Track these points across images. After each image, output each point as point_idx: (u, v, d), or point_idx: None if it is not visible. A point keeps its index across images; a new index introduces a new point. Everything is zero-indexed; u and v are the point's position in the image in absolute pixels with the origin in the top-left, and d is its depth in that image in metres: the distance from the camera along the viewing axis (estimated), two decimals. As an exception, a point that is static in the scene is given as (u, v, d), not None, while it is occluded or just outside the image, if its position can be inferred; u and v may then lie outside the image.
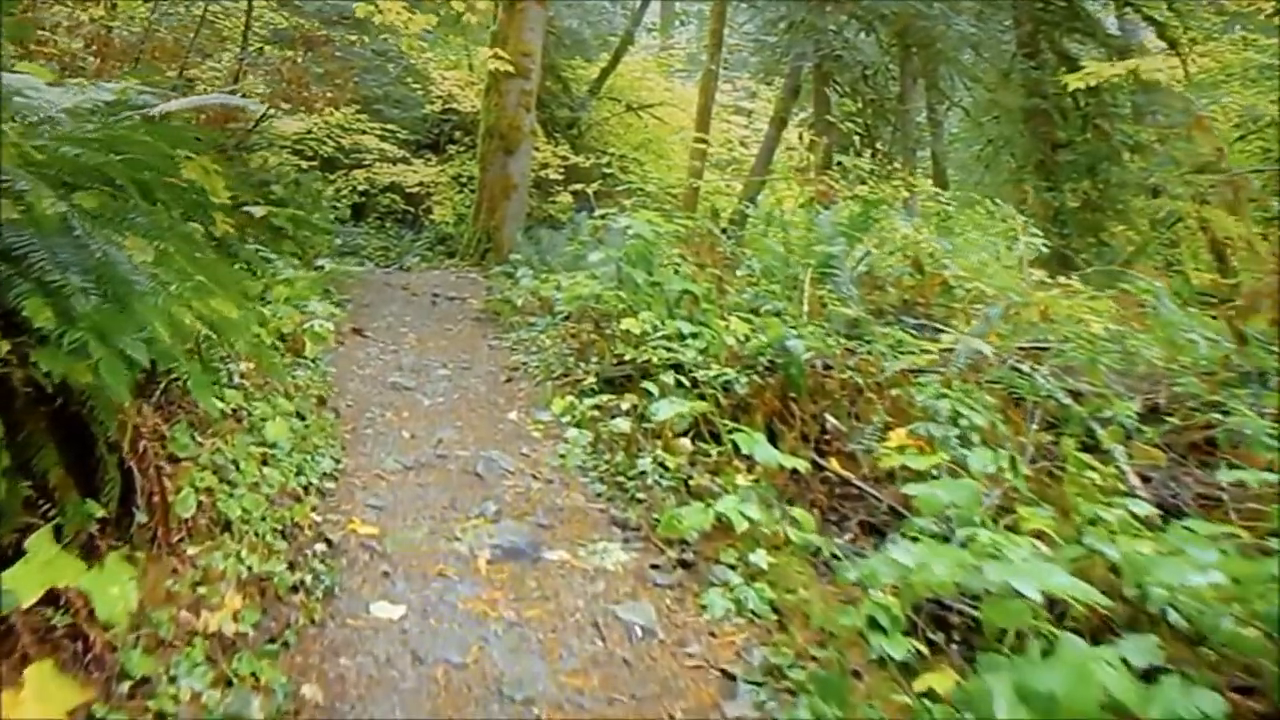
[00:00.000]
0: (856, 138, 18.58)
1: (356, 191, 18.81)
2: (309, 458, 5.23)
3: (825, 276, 7.20)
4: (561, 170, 18.36)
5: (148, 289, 3.12)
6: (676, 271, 7.07)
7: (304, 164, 17.44)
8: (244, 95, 9.60)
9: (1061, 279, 6.78)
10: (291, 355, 7.08)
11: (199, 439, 4.66)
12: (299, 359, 7.05)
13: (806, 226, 7.90)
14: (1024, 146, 15.60)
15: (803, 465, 4.57)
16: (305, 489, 4.92)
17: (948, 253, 7.66)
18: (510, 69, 13.97)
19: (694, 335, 6.01)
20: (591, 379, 6.65)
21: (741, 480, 4.85)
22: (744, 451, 4.55)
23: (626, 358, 6.56)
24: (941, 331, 6.68)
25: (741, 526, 4.26)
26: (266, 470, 4.75)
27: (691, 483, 5.12)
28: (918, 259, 7.29)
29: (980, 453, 3.92)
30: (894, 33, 17.82)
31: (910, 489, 3.73)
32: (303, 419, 5.77)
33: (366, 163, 18.53)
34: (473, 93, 18.15)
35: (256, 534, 4.15)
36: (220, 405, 5.10)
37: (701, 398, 5.62)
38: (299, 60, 10.54)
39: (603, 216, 7.54)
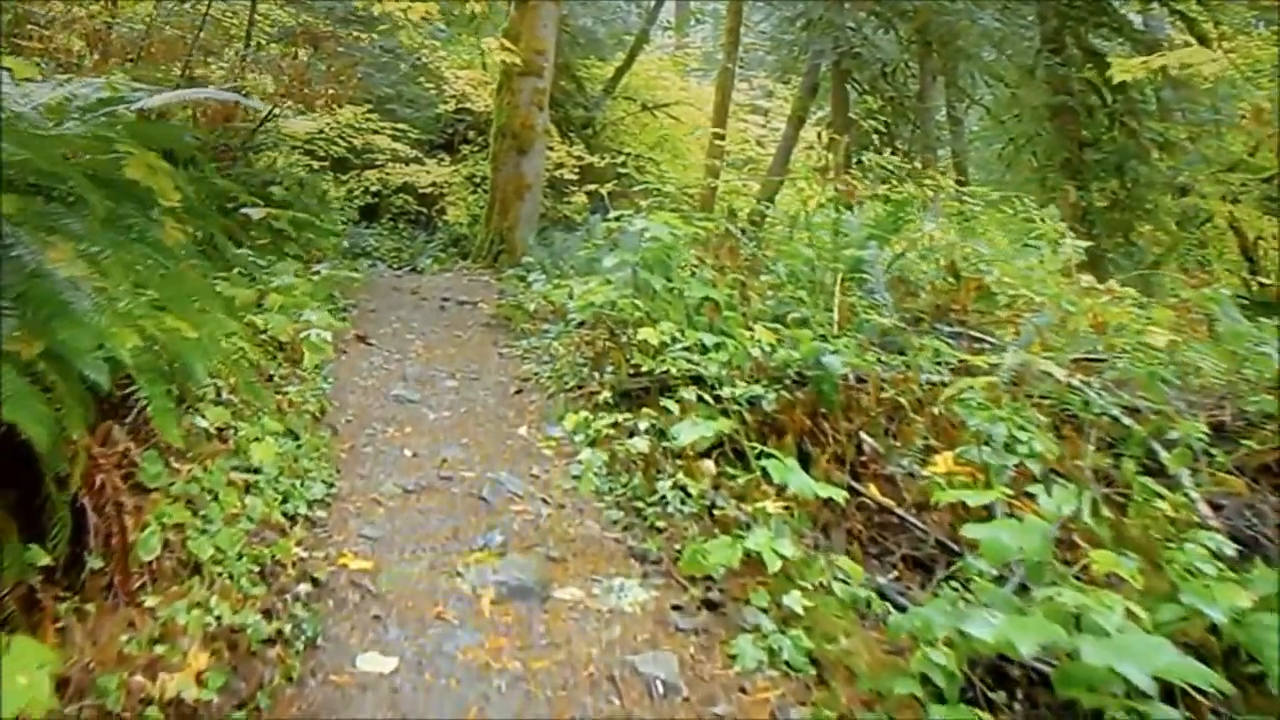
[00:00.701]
0: (875, 136, 18.05)
1: (369, 192, 18.36)
2: (299, 483, 4.74)
3: (855, 281, 6.70)
4: (576, 170, 17.89)
5: (86, 308, 2.63)
6: (693, 274, 6.57)
7: (315, 164, 17.02)
8: (247, 93, 9.13)
9: (1112, 284, 6.24)
10: (289, 366, 6.61)
11: (175, 464, 4.19)
12: (297, 370, 6.59)
13: (832, 228, 7.38)
14: (1049, 145, 15.07)
15: (840, 495, 4.05)
16: (292, 519, 4.43)
17: (986, 256, 7.14)
18: (522, 66, 13.50)
19: (717, 346, 5.50)
20: (607, 392, 6.15)
21: (771, 507, 4.34)
22: (775, 480, 4.04)
23: (644, 369, 6.08)
24: (979, 340, 6.18)
25: (775, 565, 3.76)
26: (249, 499, 4.26)
27: (716, 511, 4.62)
28: (952, 262, 6.77)
29: (1057, 493, 3.34)
30: (914, 29, 17.29)
31: (970, 531, 3.22)
32: (295, 438, 5.29)
33: (379, 163, 18.07)
34: (486, 92, 17.66)
35: (231, 576, 3.65)
36: (204, 424, 4.65)
37: (725, 414, 5.14)
38: (297, 56, 10.04)
39: (618, 218, 7.02)
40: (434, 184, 18.29)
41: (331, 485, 4.98)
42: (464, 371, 7.52)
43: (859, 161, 15.86)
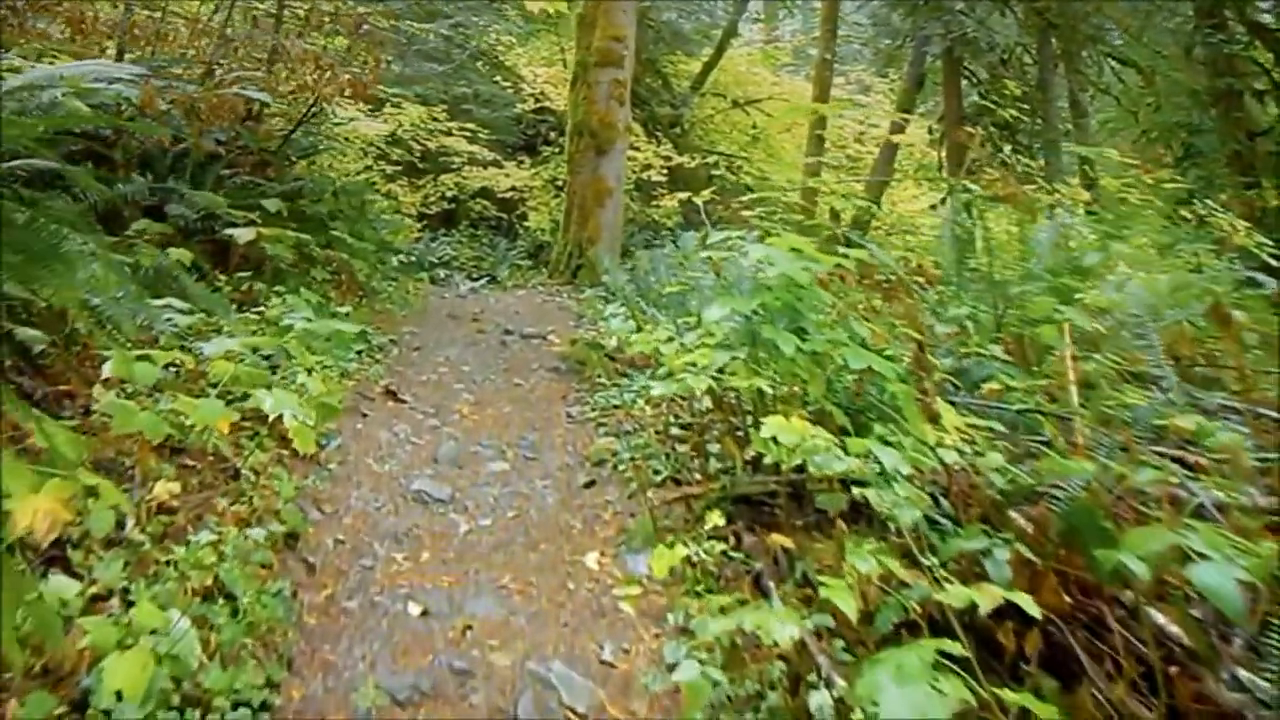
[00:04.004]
0: (993, 129, 15.57)
1: (445, 198, 16.37)
2: (194, 722, 2.62)
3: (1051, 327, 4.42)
4: (664, 171, 15.72)
5: None
6: (836, 324, 4.35)
7: (388, 168, 15.16)
8: (259, 86, 7.08)
9: None
10: (275, 448, 4.54)
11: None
12: (284, 458, 4.53)
13: (1016, 250, 5.15)
14: (1201, 135, 12.54)
15: None
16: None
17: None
18: (599, 55, 11.40)
19: (899, 465, 3.26)
20: (717, 515, 3.92)
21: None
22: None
23: (766, 458, 3.88)
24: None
25: None
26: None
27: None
28: (1218, 303, 4.44)
29: None
30: (1035, 10, 14.76)
31: None
32: (231, 601, 3.18)
33: (454, 166, 16.07)
34: (567, 89, 15.63)
35: None
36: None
37: (910, 560, 2.95)
38: (302, 35, 7.92)
39: (724, 242, 4.73)
40: (513, 188, 16.29)
41: (264, 705, 2.85)
42: (519, 446, 5.35)
43: (998, 158, 13.71)
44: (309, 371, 4.85)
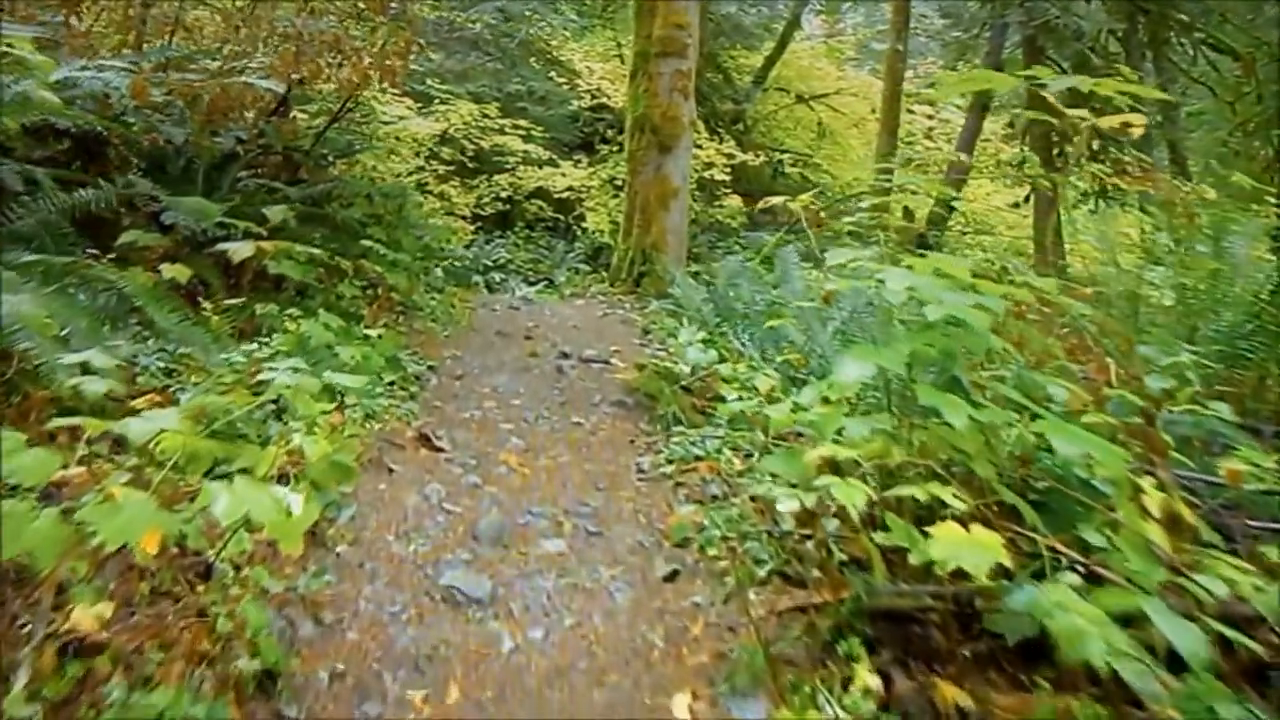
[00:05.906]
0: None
1: (499, 199, 15.29)
2: None
3: None
4: (728, 170, 14.53)
5: None
6: (1017, 390, 3.16)
7: (441, 169, 14.13)
8: (268, 75, 6.00)
9: None
10: (258, 541, 3.43)
11: None
12: (271, 554, 3.42)
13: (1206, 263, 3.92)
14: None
15: None
16: None
17: None
18: (660, 45, 10.23)
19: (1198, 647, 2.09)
20: (848, 622, 2.78)
21: None
22: None
23: (912, 555, 2.71)
24: None
25: None
26: None
27: None
28: None
29: None
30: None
31: None
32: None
33: (508, 166, 14.99)
34: (625, 85, 14.49)
35: None
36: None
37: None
38: (309, 17, 6.77)
39: (847, 266, 3.49)
40: (570, 188, 15.18)
41: None
42: (578, 515, 4.19)
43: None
44: (313, 425, 3.73)
